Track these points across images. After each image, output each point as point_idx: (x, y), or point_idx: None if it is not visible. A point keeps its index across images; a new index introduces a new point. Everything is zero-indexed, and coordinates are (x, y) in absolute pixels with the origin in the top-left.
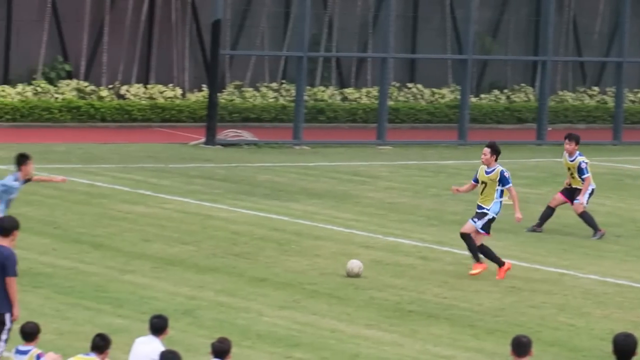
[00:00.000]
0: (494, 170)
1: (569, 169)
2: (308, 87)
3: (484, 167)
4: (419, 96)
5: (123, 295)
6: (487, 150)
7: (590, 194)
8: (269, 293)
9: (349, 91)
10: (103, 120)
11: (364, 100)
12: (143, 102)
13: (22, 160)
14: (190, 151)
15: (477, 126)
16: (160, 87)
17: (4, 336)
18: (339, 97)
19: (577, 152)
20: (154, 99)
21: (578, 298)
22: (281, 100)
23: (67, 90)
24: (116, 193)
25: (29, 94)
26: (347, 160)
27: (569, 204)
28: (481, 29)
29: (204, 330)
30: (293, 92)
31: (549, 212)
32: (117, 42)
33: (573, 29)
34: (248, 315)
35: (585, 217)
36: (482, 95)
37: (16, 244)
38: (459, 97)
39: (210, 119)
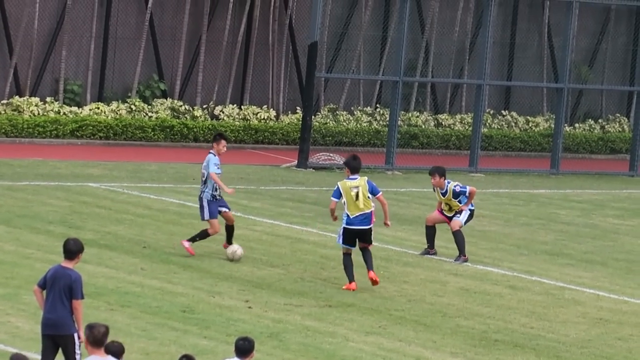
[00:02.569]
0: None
1: (446, 204)
2: (402, 112)
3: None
4: (512, 124)
5: (210, 317)
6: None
7: (470, 217)
8: (355, 318)
9: (443, 117)
10: (196, 140)
11: (458, 126)
12: (237, 122)
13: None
14: (282, 173)
15: (570, 155)
16: (254, 109)
17: (77, 357)
18: (432, 123)
19: (446, 182)
20: (248, 120)
21: None
22: (375, 125)
23: (161, 109)
24: None
25: (123, 112)
26: None
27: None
28: (577, 58)
29: (289, 354)
30: (387, 116)
31: (431, 232)
32: (213, 62)
33: None
34: (334, 340)
35: (458, 236)
36: (576, 125)
37: (105, 263)
38: (553, 125)
39: (303, 142)
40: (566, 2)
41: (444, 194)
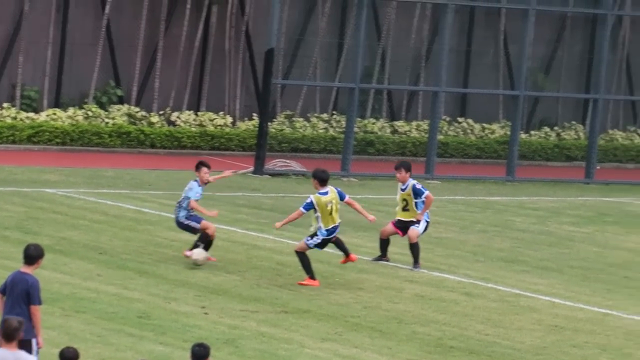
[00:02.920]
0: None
1: (403, 200)
2: (358, 119)
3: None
4: (469, 131)
5: (166, 323)
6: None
7: (426, 228)
8: (311, 325)
9: (399, 124)
10: (152, 146)
11: (414, 133)
12: (193, 129)
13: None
14: (238, 180)
15: (526, 163)
16: (211, 115)
17: None
18: (389, 130)
19: (410, 179)
20: (204, 126)
21: (620, 339)
22: (331, 132)
23: (118, 115)
24: (163, 220)
25: (80, 118)
26: (394, 193)
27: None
28: (534, 65)
29: None
30: (343, 123)
31: (385, 243)
32: (169, 68)
33: (626, 68)
34: (290, 347)
35: (415, 247)
36: (532, 132)
37: (60, 268)
38: (509, 133)
39: (260, 148)
40: (522, 10)
41: (403, 189)
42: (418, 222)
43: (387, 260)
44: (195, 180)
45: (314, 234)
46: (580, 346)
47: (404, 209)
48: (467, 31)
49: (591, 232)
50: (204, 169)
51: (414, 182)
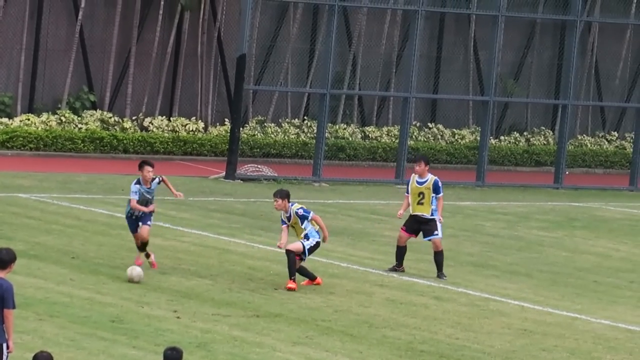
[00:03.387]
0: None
1: (420, 193)
2: (329, 125)
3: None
4: (439, 136)
5: (138, 327)
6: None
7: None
8: (283, 329)
9: (370, 129)
10: (125, 151)
11: (385, 139)
12: (166, 134)
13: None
14: (210, 185)
15: (496, 168)
16: (183, 120)
17: None
18: (359, 135)
19: (429, 174)
20: (177, 131)
21: (589, 342)
22: (302, 137)
23: (91, 120)
24: None
25: (53, 123)
26: (365, 198)
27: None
28: (503, 71)
29: None
30: (314, 128)
31: (402, 251)
32: (142, 74)
33: (594, 74)
34: (261, 350)
35: (441, 256)
36: (502, 138)
37: (34, 273)
38: (478, 138)
39: (231, 154)
40: (492, 16)
41: (421, 183)
42: (433, 222)
43: (402, 271)
44: (137, 181)
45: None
46: (550, 350)
47: (419, 202)
48: (437, 37)
49: (560, 236)
50: (147, 168)
51: (436, 177)
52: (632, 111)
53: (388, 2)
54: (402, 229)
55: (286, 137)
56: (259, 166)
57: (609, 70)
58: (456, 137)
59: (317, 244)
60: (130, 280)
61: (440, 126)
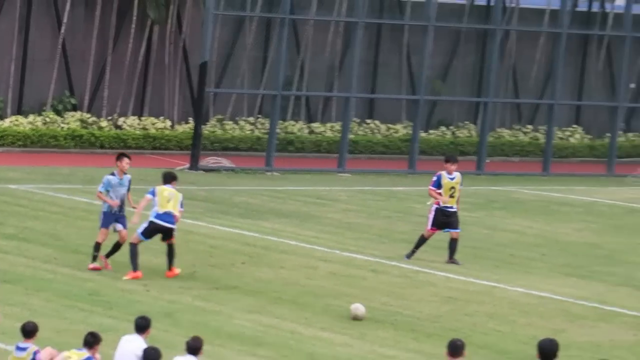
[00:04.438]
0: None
1: (451, 188)
2: (280, 121)
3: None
4: (375, 131)
5: (113, 299)
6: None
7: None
8: (238, 299)
9: (316, 125)
10: (102, 147)
11: (328, 133)
12: (137, 132)
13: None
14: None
15: (425, 157)
16: (153, 119)
17: None
18: (306, 131)
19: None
20: (147, 129)
21: (505, 308)
22: (256, 133)
23: (72, 120)
24: None
25: (39, 123)
26: (311, 185)
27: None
28: (432, 73)
29: (181, 330)
30: (267, 125)
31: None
32: (117, 79)
33: (512, 74)
34: (220, 318)
35: (456, 243)
36: (431, 131)
37: (23, 253)
38: (410, 132)
39: (195, 148)
40: (422, 26)
41: (452, 179)
42: (456, 215)
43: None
44: (112, 173)
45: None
46: (471, 314)
47: (451, 195)
48: (375, 45)
49: (481, 216)
50: (125, 160)
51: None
52: (545, 107)
53: (332, 15)
54: (430, 229)
55: (242, 133)
56: (219, 158)
57: (525, 72)
58: (390, 131)
59: (149, 223)
60: (356, 318)
61: (377, 122)
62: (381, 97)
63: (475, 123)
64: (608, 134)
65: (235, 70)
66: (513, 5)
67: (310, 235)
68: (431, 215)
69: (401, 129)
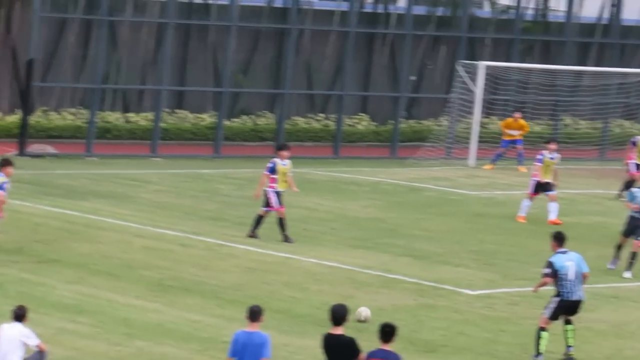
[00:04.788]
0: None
1: (284, 173)
2: (99, 112)
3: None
4: (184, 119)
5: None
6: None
7: None
8: (61, 271)
9: (131, 115)
10: None
11: (142, 122)
12: None
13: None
14: None
15: (229, 143)
16: None
17: None
18: (122, 120)
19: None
20: None
21: (300, 277)
22: (77, 122)
23: None
24: None
25: None
26: (127, 169)
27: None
28: (235, 68)
29: (9, 300)
30: (87, 115)
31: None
32: None
33: (306, 68)
34: (44, 289)
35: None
36: (234, 119)
37: None
38: (216, 120)
39: (22, 136)
40: (226, 26)
41: (285, 165)
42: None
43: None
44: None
45: None
46: (269, 283)
47: (284, 180)
48: (184, 43)
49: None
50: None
51: None
52: (335, 97)
53: (144, 15)
54: (271, 209)
55: (65, 122)
56: (44, 145)
57: (317, 66)
58: (198, 120)
59: None
60: (359, 320)
61: (186, 111)
62: (189, 90)
63: (273, 112)
64: (391, 121)
65: (59, 66)
66: (307, 7)
67: (126, 214)
68: (272, 196)
69: (207, 118)
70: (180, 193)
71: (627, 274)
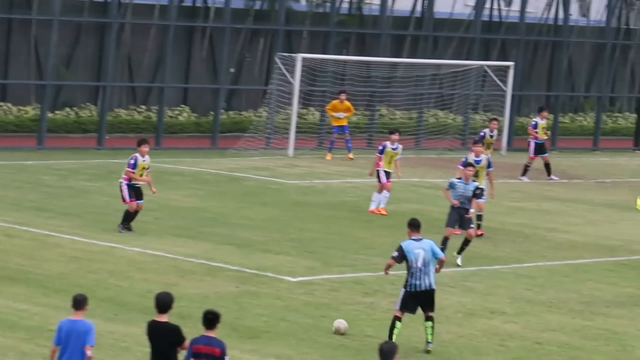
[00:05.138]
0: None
1: (143, 168)
2: None
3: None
4: (8, 112)
5: None
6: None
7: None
8: None
9: None
10: None
11: None
12: None
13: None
14: None
15: (53, 135)
16: None
17: None
18: None
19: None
20: None
21: (124, 265)
22: None
23: None
24: None
25: None
26: (13, 160)
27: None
28: (58, 61)
29: None
30: None
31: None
32: None
33: (128, 61)
34: None
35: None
36: (57, 112)
37: None
38: (39, 113)
39: None
40: (49, 20)
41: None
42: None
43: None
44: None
45: None
46: (94, 272)
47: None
48: (6, 36)
49: (102, 186)
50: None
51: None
52: (156, 89)
53: None
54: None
55: None
56: None
57: (138, 59)
58: (21, 112)
59: None
60: (338, 332)
61: (9, 104)
62: (12, 83)
63: (96, 104)
64: (212, 112)
65: None
66: (127, 1)
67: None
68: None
69: (31, 110)
70: (5, 185)
71: (459, 260)
